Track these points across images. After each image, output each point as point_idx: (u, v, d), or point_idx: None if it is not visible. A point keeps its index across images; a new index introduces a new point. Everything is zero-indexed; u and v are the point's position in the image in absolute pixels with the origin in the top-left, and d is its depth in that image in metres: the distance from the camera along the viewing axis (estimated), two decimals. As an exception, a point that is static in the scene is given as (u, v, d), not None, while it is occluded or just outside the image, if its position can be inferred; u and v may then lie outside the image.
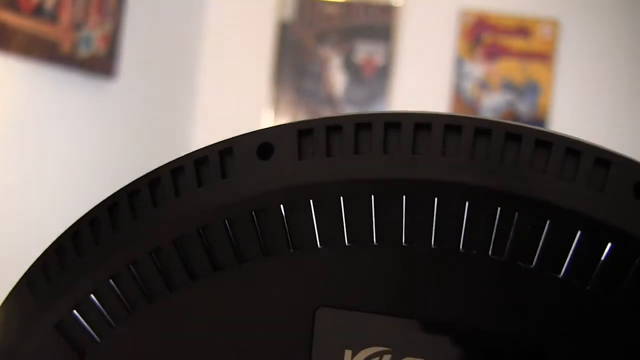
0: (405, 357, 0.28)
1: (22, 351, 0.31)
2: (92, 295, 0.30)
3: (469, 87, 2.71)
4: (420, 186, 0.27)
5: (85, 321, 0.30)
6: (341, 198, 0.27)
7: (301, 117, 2.76)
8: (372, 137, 0.27)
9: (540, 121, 2.65)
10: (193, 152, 0.29)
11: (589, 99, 2.68)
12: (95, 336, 0.30)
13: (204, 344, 0.29)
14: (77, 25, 2.05)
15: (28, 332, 0.31)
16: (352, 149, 0.27)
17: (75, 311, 0.30)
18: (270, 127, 0.28)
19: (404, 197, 0.27)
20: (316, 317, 0.28)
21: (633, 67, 2.66)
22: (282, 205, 0.28)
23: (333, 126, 0.27)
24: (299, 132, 0.28)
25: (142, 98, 2.46)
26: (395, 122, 0.27)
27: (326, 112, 2.76)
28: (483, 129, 0.27)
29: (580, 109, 2.68)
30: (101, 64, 2.18)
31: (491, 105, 2.70)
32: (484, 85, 2.71)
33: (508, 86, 2.70)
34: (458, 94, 2.71)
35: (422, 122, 0.27)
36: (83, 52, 2.09)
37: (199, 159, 0.29)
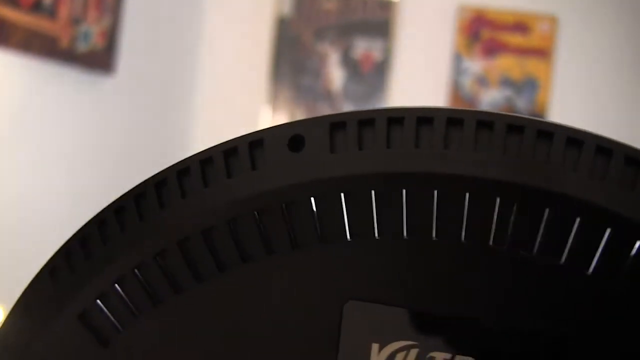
0: (432, 352, 0.27)
1: (44, 341, 0.31)
2: (117, 285, 0.30)
3: (467, 83, 2.72)
4: (450, 181, 0.27)
5: (109, 311, 0.30)
6: (372, 191, 0.27)
7: (299, 113, 2.76)
8: (404, 131, 0.27)
9: (539, 117, 2.65)
10: (222, 143, 0.29)
11: (587, 95, 2.69)
12: (119, 326, 0.30)
13: (230, 335, 0.29)
14: (75, 21, 2.04)
15: (50, 321, 0.31)
16: (384, 143, 0.27)
17: (98, 301, 0.30)
18: (302, 120, 0.28)
19: (435, 191, 0.27)
20: (344, 310, 0.28)
21: (632, 64, 2.67)
22: (312, 198, 0.28)
23: (365, 120, 0.28)
24: (331, 125, 0.28)
25: (141, 93, 2.45)
26: (427, 117, 0.27)
27: (325, 108, 2.76)
28: (514, 126, 0.27)
29: (578, 105, 2.69)
30: (100, 59, 2.17)
31: (489, 101, 2.70)
32: (483, 81, 2.71)
33: (506, 82, 2.70)
34: (456, 90, 2.71)
35: (453, 118, 0.27)
36: (82, 47, 2.08)
37: (228, 150, 0.29)
